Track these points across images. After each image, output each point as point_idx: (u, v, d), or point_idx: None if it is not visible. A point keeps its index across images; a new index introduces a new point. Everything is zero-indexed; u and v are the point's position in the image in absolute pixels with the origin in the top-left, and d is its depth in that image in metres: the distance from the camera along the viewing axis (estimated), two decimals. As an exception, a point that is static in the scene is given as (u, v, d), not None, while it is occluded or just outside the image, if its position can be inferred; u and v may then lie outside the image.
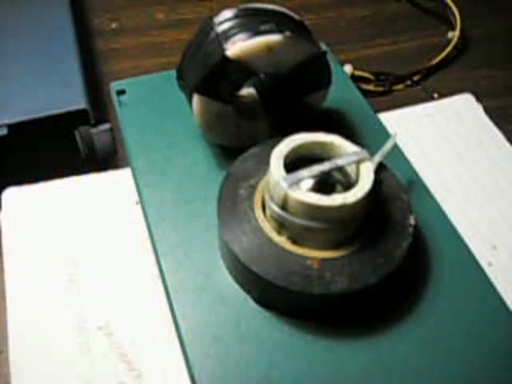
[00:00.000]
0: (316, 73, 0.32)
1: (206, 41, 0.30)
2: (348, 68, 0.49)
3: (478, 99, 0.49)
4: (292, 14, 0.32)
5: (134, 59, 0.54)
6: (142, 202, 0.33)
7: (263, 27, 0.29)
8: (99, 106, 0.41)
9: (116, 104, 0.38)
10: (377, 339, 0.27)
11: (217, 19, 0.30)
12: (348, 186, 0.27)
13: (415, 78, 0.53)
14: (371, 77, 0.51)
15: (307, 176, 0.26)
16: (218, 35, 0.30)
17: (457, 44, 0.55)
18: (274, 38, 0.29)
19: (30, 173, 0.41)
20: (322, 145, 0.28)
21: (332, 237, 0.27)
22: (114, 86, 0.39)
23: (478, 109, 0.48)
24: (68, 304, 0.35)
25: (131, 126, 0.36)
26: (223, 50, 0.29)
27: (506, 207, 0.42)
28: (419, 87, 0.53)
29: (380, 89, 0.51)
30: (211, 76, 0.30)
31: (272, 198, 0.27)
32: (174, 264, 0.30)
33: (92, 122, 0.40)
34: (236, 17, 0.30)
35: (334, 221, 0.26)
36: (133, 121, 0.37)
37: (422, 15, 0.60)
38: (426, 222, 0.31)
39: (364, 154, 0.27)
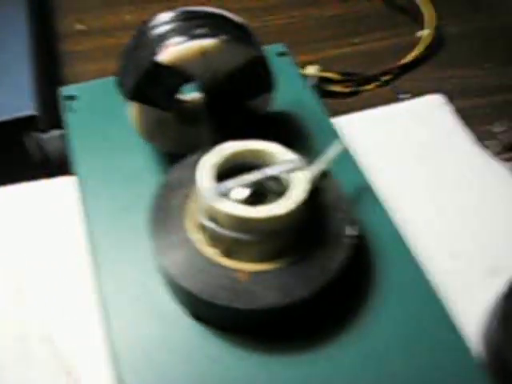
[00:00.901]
0: (256, 78, 0.31)
1: (140, 45, 0.29)
2: (313, 69, 0.48)
3: (450, 99, 0.48)
4: (232, 16, 0.31)
5: (99, 62, 0.53)
6: (84, 209, 0.32)
7: (198, 31, 0.28)
8: (57, 111, 0.40)
9: (65, 110, 0.37)
10: (314, 355, 0.26)
11: (151, 23, 0.29)
12: (282, 195, 0.26)
13: (385, 78, 0.52)
14: (338, 77, 0.50)
15: (235, 186, 0.25)
16: (150, 39, 0.29)
17: (429, 43, 0.54)
18: (208, 42, 0.28)
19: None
20: (255, 153, 0.27)
21: (263, 249, 0.26)
22: (63, 91, 0.38)
23: (448, 110, 0.47)
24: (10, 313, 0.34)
25: (77, 132, 0.35)
26: (154, 54, 0.28)
27: (470, 213, 0.40)
28: (389, 88, 0.52)
29: (348, 90, 0.50)
30: (143, 82, 0.29)
31: (201, 210, 0.26)
32: (111, 273, 0.29)
33: (42, 128, 0.39)
34: (172, 20, 0.29)
35: (264, 233, 0.25)
36: (79, 127, 0.36)
37: (394, 14, 0.59)
38: (373, 232, 0.30)
39: (298, 162, 0.26)
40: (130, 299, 0.28)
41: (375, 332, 0.27)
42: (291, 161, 0.26)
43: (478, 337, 0.34)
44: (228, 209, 0.24)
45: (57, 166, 0.41)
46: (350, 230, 0.27)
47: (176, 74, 0.29)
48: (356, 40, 0.56)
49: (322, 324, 0.27)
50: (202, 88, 0.32)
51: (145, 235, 0.29)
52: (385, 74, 0.52)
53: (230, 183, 0.25)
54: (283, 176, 0.27)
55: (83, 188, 0.33)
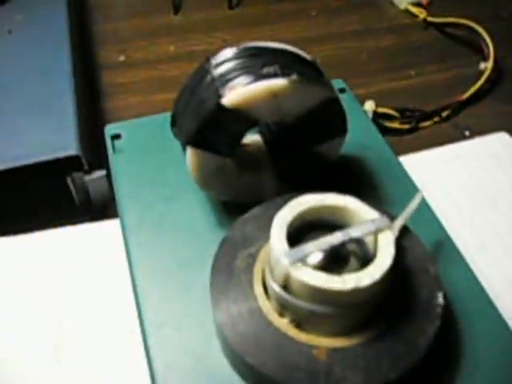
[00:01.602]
0: (329, 120, 0.27)
1: (201, 85, 0.26)
2: (370, 105, 0.45)
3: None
4: (301, 52, 0.28)
5: (141, 94, 0.50)
6: (129, 264, 0.29)
7: (266, 70, 0.26)
8: (99, 149, 0.37)
9: (110, 150, 0.34)
10: None
11: (214, 60, 0.27)
12: (364, 259, 0.23)
13: (444, 114, 0.48)
14: (395, 114, 0.47)
15: (314, 250, 0.22)
16: (213, 79, 0.26)
17: (490, 76, 0.50)
18: (279, 82, 0.25)
19: (24, 223, 0.38)
20: (334, 209, 0.24)
21: (343, 323, 0.22)
22: (109, 129, 0.35)
23: (515, 149, 0.43)
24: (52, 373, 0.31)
25: (123, 175, 0.33)
26: (219, 96, 0.25)
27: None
28: (449, 124, 0.48)
29: (406, 126, 0.47)
30: (206, 127, 0.26)
31: (272, 275, 0.23)
32: (162, 342, 0.26)
33: (86, 168, 0.36)
34: (236, 57, 0.26)
35: (346, 305, 0.22)
36: (126, 169, 0.33)
37: (451, 44, 0.56)
38: (456, 293, 0.27)
39: (383, 221, 0.23)
40: (183, 373, 0.25)
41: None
42: (375, 220, 0.23)
43: None
44: (308, 278, 0.21)
45: (100, 208, 0.39)
46: (439, 298, 0.24)
47: (241, 118, 0.26)
48: (410, 73, 0.53)
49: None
50: (266, 129, 0.29)
51: (200, 296, 0.26)
52: (443, 109, 0.48)
53: (308, 247, 0.22)
54: (365, 237, 0.23)
55: (129, 238, 0.30)
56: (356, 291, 0.21)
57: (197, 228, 0.30)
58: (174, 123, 0.29)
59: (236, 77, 0.26)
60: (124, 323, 0.33)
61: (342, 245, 0.23)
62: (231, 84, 0.25)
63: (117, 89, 0.51)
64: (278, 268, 0.22)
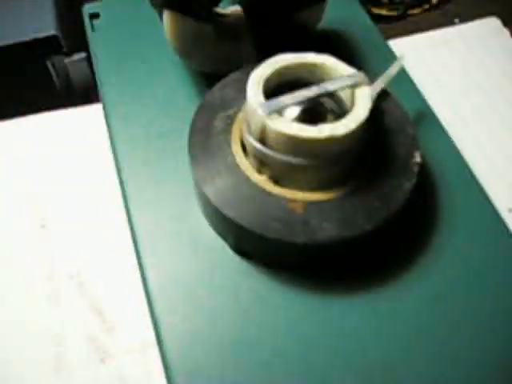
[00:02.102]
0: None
1: None
2: (357, -12, 0.44)
3: (505, 24, 0.44)
4: None
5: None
6: (111, 137, 0.29)
7: None
8: (80, 37, 0.36)
9: (88, 29, 0.34)
10: (371, 296, 0.24)
11: None
12: (341, 115, 0.23)
13: (434, 1, 0.47)
14: (384, -1, 0.46)
15: (290, 103, 0.22)
16: None
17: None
18: None
19: (5, 108, 0.38)
20: (312, 66, 0.24)
21: (320, 176, 0.23)
22: (87, 8, 0.34)
23: (505, 34, 0.42)
24: (37, 251, 0.32)
25: (103, 53, 0.32)
26: (194, -47, 0.24)
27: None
28: (438, 12, 0.47)
29: (394, 13, 0.46)
30: (182, -14, 0.25)
31: (249, 130, 0.23)
32: (144, 207, 0.26)
33: (65, 50, 0.36)
34: None
35: (322, 157, 0.22)
36: (105, 47, 0.32)
37: None
38: (435, 160, 0.27)
39: (360, 77, 0.23)
40: (165, 234, 0.25)
41: (439, 269, 0.24)
42: (352, 75, 0.23)
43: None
44: (283, 127, 0.21)
45: (82, 93, 0.38)
46: (416, 156, 0.24)
47: (218, -22, 0.25)
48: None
49: (381, 262, 0.24)
50: (247, 1, 0.28)
51: (182, 163, 0.27)
52: (434, -4, 0.47)
53: (285, 99, 0.22)
54: (342, 93, 0.23)
55: (110, 113, 0.29)
56: (331, 140, 0.21)
57: (177, 99, 0.29)
58: (151, -9, 0.28)
59: None
60: (109, 202, 0.33)
61: (319, 101, 0.23)
62: None
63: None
64: (254, 120, 0.22)
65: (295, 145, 0.21)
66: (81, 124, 0.37)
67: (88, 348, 0.29)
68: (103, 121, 0.31)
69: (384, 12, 0.46)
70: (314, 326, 0.23)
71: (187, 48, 0.28)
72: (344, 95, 0.23)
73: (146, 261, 0.24)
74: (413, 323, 0.23)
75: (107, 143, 0.30)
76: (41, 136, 0.37)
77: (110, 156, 0.29)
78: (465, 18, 0.45)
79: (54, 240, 0.32)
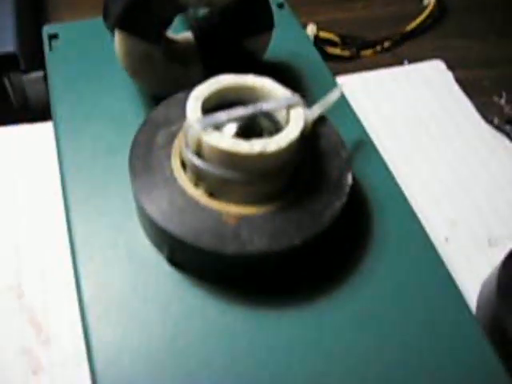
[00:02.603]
0: (254, 13, 0.28)
1: (129, -31, 0.27)
2: (311, 27, 0.46)
3: (451, 69, 0.46)
4: None
5: (90, 11, 0.50)
6: (58, 151, 0.29)
7: (193, -44, 0.26)
8: (40, 57, 0.37)
9: (46, 48, 0.34)
10: (302, 310, 0.24)
11: None
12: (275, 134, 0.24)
13: (386, 45, 0.50)
14: (337, 39, 0.48)
15: (226, 119, 0.23)
16: (141, -37, 0.26)
17: (432, 12, 0.52)
18: (204, -33, 0.26)
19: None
20: (251, 88, 0.25)
21: (252, 191, 0.24)
22: (47, 29, 0.35)
23: (448, 76, 0.45)
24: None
25: (58, 71, 0.33)
26: (145, -22, 0.26)
27: (469, 180, 0.39)
28: (389, 54, 0.50)
29: (347, 53, 0.48)
30: (133, 8, 0.26)
31: (187, 144, 0.24)
32: (84, 217, 0.27)
33: (23, 68, 0.36)
34: None
35: (254, 172, 0.23)
36: (61, 66, 0.33)
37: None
38: (371, 185, 0.28)
39: (295, 99, 0.24)
40: (101, 243, 0.26)
41: (369, 286, 0.25)
42: (288, 98, 0.24)
43: (476, 306, 0.32)
44: (216, 141, 0.22)
45: (38, 110, 0.39)
46: (348, 177, 0.25)
47: (169, 2, 0.26)
48: (357, 5, 0.54)
49: (312, 276, 0.25)
50: (197, 25, 0.29)
51: (125, 177, 0.27)
52: (385, 40, 0.50)
53: (220, 115, 0.23)
54: (278, 114, 0.24)
55: (58, 128, 0.30)
56: (262, 156, 0.22)
57: (125, 117, 0.30)
58: (105, 14, 0.29)
59: (163, -39, 0.26)
60: (52, 215, 0.34)
61: (256, 119, 0.24)
62: (158, -33, 0.26)
63: (64, 2, 0.50)
64: (190, 134, 0.23)
65: (228, 159, 0.22)
66: (34, 140, 0.38)
67: (22, 359, 0.29)
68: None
69: (338, 52, 0.48)
70: (244, 338, 0.23)
71: (136, 68, 0.29)
72: (280, 116, 0.25)
73: (81, 269, 0.25)
74: (341, 336, 0.24)
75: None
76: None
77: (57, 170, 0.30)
78: (414, 61, 0.48)
79: (-4, 252, 0.32)
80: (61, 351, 0.29)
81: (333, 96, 0.28)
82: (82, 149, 0.29)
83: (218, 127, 0.23)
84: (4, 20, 0.38)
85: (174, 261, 0.25)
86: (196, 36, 0.30)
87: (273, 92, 0.25)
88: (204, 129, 0.22)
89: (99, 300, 0.24)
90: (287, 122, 0.24)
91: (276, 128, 0.25)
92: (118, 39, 0.27)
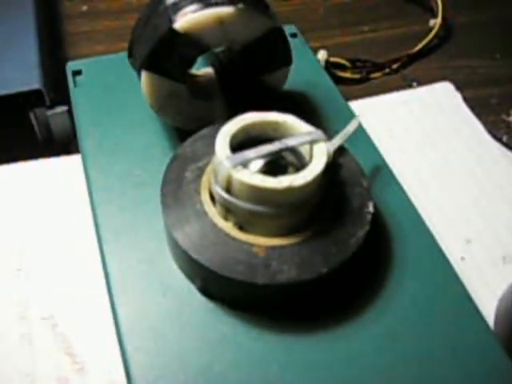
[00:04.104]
0: (274, 50, 0.30)
1: (155, 14, 0.28)
2: (322, 54, 0.47)
3: (459, 89, 0.47)
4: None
5: (105, 43, 0.52)
6: (88, 185, 0.31)
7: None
8: (61, 91, 0.39)
9: (71, 84, 0.36)
10: (329, 336, 0.25)
11: (167, -10, 0.28)
12: (301, 168, 0.25)
13: (394, 66, 0.51)
14: (347, 64, 0.49)
15: (254, 156, 0.24)
16: (166, 7, 0.28)
17: (438, 32, 0.53)
18: (226, 9, 0.27)
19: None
20: (274, 124, 0.26)
21: (280, 223, 0.25)
22: (70, 66, 0.37)
23: (457, 97, 0.46)
24: (12, 292, 0.33)
25: (83, 106, 0.34)
26: (171, 22, 0.27)
27: (482, 199, 0.40)
28: (398, 76, 0.51)
29: (357, 76, 0.49)
30: (158, 50, 0.28)
31: (216, 180, 0.25)
32: (117, 250, 0.28)
33: (48, 103, 0.38)
34: (188, -12, 0.28)
35: (282, 205, 0.24)
36: (86, 101, 0.35)
37: (405, 3, 0.59)
38: (390, 210, 0.30)
39: (318, 134, 0.26)
40: (136, 276, 0.27)
41: (392, 311, 0.26)
42: (311, 133, 0.26)
43: (493, 322, 0.33)
44: (246, 178, 0.23)
45: (62, 144, 0.41)
46: (369, 206, 0.26)
47: (192, 43, 0.28)
48: (364, 28, 0.56)
49: (338, 301, 0.26)
50: (217, 61, 0.31)
51: (155, 211, 0.28)
52: (394, 62, 0.51)
53: (248, 153, 0.24)
54: (302, 148, 0.26)
55: (88, 164, 0.31)
56: (290, 190, 0.24)
57: (151, 152, 0.32)
58: (130, 53, 0.30)
59: (187, 5, 0.28)
60: (83, 248, 0.35)
61: (281, 155, 0.25)
62: (183, 11, 0.27)
63: (81, 37, 0.52)
64: (220, 171, 0.24)
65: (257, 194, 0.24)
66: (60, 173, 0.39)
67: (58, 388, 0.30)
68: (81, 171, 0.33)
69: (348, 75, 0.49)
70: (276, 364, 0.24)
71: (162, 105, 0.30)
72: (303, 150, 0.26)
73: (117, 300, 0.26)
74: (369, 360, 0.25)
75: (84, 193, 0.32)
76: (21, 184, 0.39)
77: (86, 204, 0.31)
78: (422, 82, 0.49)
79: (29, 282, 0.34)
80: (95, 379, 0.30)
81: (351, 127, 0.29)
82: (111, 183, 0.30)
83: (245, 164, 0.24)
84: (29, 57, 0.39)
85: (206, 291, 0.26)
86: (217, 72, 0.32)
87: (295, 127, 0.26)
88: (233, 166, 0.24)
89: (136, 331, 0.25)
90: (311, 156, 0.25)
91: (300, 162, 0.26)
92: (144, 79, 0.29)
